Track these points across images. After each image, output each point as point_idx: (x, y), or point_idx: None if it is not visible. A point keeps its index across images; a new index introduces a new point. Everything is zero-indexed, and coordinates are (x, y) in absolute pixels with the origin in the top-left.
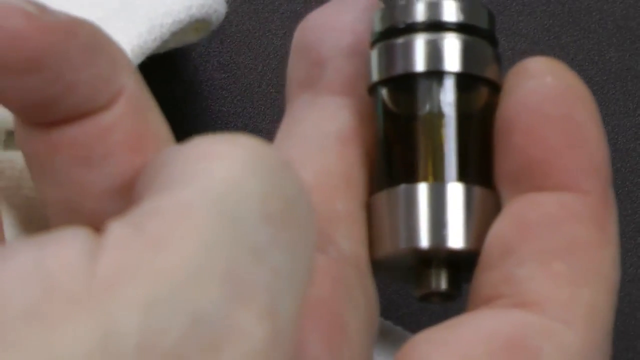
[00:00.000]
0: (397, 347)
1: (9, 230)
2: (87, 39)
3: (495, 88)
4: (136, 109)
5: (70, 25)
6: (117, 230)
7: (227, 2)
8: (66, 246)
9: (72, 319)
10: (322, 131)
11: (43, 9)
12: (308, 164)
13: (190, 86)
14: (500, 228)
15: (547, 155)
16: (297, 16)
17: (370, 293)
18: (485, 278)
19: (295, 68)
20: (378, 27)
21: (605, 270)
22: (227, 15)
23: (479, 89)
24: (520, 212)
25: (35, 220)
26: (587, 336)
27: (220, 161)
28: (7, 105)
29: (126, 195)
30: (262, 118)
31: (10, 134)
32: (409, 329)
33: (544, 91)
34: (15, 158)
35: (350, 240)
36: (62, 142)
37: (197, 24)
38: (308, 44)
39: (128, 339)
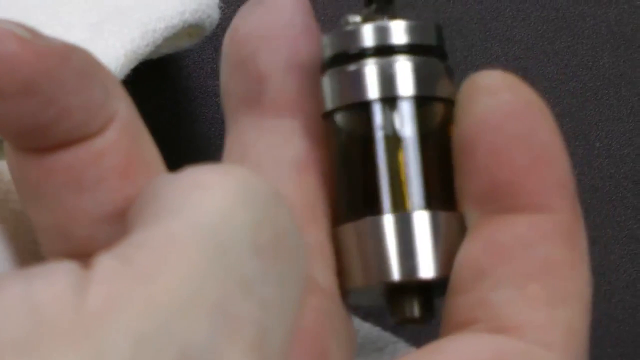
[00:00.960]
0: (384, 353)
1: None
2: (80, 64)
3: (450, 103)
4: (128, 135)
5: (63, 50)
6: (105, 263)
7: (220, 8)
8: (55, 279)
9: (61, 352)
10: (277, 159)
11: (36, 33)
12: None
13: (183, 92)
14: (471, 251)
15: (514, 176)
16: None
17: (348, 322)
18: (459, 302)
19: (231, 82)
20: (328, 52)
21: (580, 289)
22: (221, 22)
23: (435, 108)
24: (490, 234)
25: (22, 234)
26: (566, 357)
27: (211, 192)
28: (0, 131)
29: (117, 222)
30: None
31: None
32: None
33: (505, 109)
34: (2, 170)
35: (324, 272)
36: (55, 167)
37: (191, 29)
38: (243, 57)
39: None
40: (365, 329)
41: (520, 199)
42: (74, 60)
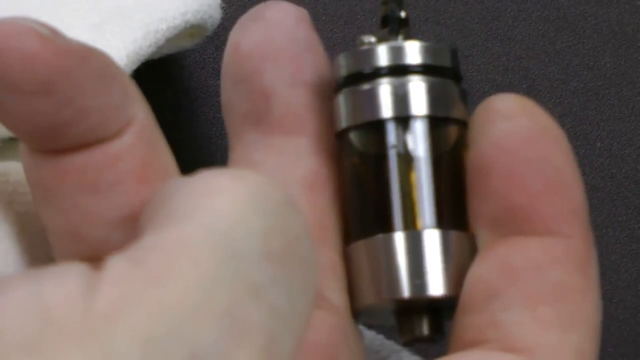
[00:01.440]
0: None
1: (2, 245)
2: (100, 66)
3: (463, 124)
4: (145, 140)
5: (83, 51)
6: (116, 265)
7: (222, 8)
8: (65, 280)
9: (69, 352)
10: (287, 179)
11: (56, 32)
12: None
13: (185, 92)
14: (483, 271)
15: (529, 200)
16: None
17: (360, 339)
18: (469, 321)
19: (234, 98)
20: (343, 72)
21: (590, 315)
22: (222, 22)
23: (448, 129)
24: (503, 256)
25: (27, 235)
26: None
27: (223, 196)
28: (17, 129)
29: (132, 225)
30: None
31: (5, 142)
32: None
33: (521, 134)
34: (8, 170)
35: (337, 292)
36: (71, 169)
37: (192, 29)
38: (247, 74)
39: None
40: (369, 337)
41: (533, 224)
42: (93, 62)
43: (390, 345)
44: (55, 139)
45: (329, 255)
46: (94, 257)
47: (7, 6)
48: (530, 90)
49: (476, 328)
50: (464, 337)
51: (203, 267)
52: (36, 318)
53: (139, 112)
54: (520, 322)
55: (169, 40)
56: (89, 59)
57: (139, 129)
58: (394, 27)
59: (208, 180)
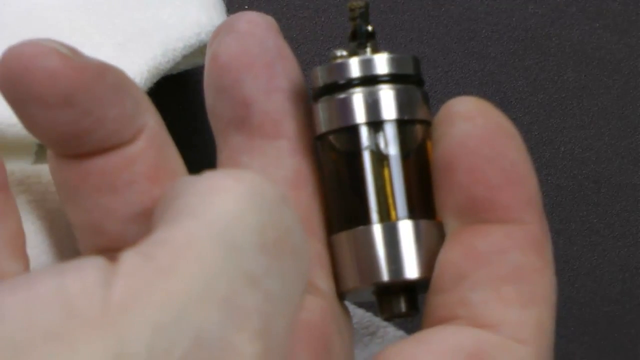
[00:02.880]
0: (376, 336)
1: (35, 237)
2: (115, 80)
3: (427, 124)
4: (156, 144)
5: (99, 67)
6: (130, 258)
7: None
8: (85, 274)
9: (88, 340)
10: (271, 178)
11: (76, 51)
12: None
13: (200, 104)
14: (452, 256)
15: (490, 192)
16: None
17: (348, 319)
18: (440, 301)
19: (217, 105)
20: (320, 82)
21: (547, 292)
22: None
23: (414, 129)
24: (469, 241)
25: (57, 229)
26: (537, 351)
27: (225, 195)
28: (43, 137)
29: (144, 221)
30: None
31: (41, 147)
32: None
33: (479, 133)
34: (41, 172)
35: (324, 279)
36: (91, 171)
37: (206, 48)
38: (227, 84)
39: (137, 358)
40: (358, 315)
41: (495, 213)
42: (108, 77)
43: (378, 321)
44: (77, 145)
45: (315, 246)
46: (113, 249)
47: (41, 28)
48: (502, 102)
49: (447, 306)
50: (436, 315)
51: (206, 260)
52: (60, 309)
53: (150, 120)
54: (486, 301)
55: (185, 57)
56: (104, 74)
57: (151, 135)
58: (361, 41)
59: (211, 180)
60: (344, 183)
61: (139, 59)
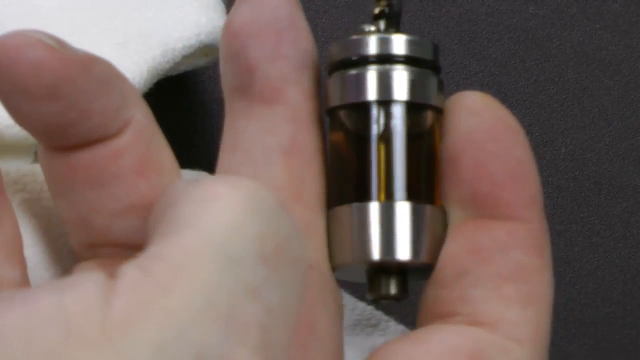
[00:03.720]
0: (377, 329)
1: (31, 236)
2: (101, 73)
3: (439, 111)
4: (143, 138)
5: (85, 59)
6: (128, 274)
7: None
8: (84, 291)
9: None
10: (265, 144)
11: (62, 43)
12: (258, 181)
13: (200, 105)
14: (453, 249)
15: (494, 189)
16: None
17: (336, 293)
18: (440, 295)
19: (226, 71)
20: (335, 57)
21: (546, 293)
22: None
23: (425, 114)
24: (472, 236)
25: (52, 228)
26: (534, 352)
27: (221, 205)
28: (29, 128)
29: (132, 215)
30: None
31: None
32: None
33: (485, 128)
34: (37, 171)
35: (312, 249)
36: (78, 165)
37: (206, 49)
38: (235, 50)
39: None
40: (360, 308)
41: (498, 209)
42: (95, 69)
43: (379, 314)
44: (63, 137)
45: (303, 214)
46: (102, 244)
47: (41, 28)
48: (503, 103)
49: (447, 302)
50: (435, 310)
51: (205, 275)
52: (59, 329)
53: (138, 113)
54: (486, 299)
55: (185, 58)
56: (91, 66)
57: (138, 128)
58: (388, 21)
59: (207, 188)
60: (348, 159)
61: (139, 58)
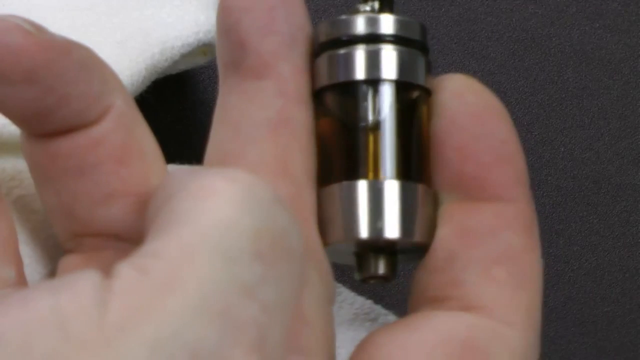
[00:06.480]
0: (377, 323)
1: (27, 235)
2: (80, 58)
3: (427, 91)
4: (123, 125)
5: (64, 44)
6: (125, 273)
7: None
8: (80, 292)
9: None
10: (253, 119)
11: (41, 28)
12: (245, 156)
13: (200, 104)
14: (444, 234)
15: (480, 170)
16: None
17: (324, 267)
18: (432, 280)
19: (220, 47)
20: (323, 37)
21: (536, 273)
22: None
23: (412, 93)
24: (461, 220)
25: (49, 224)
26: (526, 335)
27: (217, 199)
28: (8, 114)
29: (113, 203)
30: None
31: None
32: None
33: (469, 110)
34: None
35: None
36: (59, 153)
37: (205, 47)
38: (228, 25)
39: None
40: (360, 302)
41: (485, 191)
42: (73, 55)
43: (378, 308)
44: (43, 122)
45: (288, 189)
46: (84, 233)
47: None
48: (503, 102)
49: (437, 287)
50: (426, 294)
51: (201, 273)
52: (55, 331)
53: (118, 100)
54: (477, 282)
55: (184, 57)
56: (69, 51)
57: (118, 115)
58: (382, 1)
59: (203, 182)
60: (337, 137)
61: (137, 56)
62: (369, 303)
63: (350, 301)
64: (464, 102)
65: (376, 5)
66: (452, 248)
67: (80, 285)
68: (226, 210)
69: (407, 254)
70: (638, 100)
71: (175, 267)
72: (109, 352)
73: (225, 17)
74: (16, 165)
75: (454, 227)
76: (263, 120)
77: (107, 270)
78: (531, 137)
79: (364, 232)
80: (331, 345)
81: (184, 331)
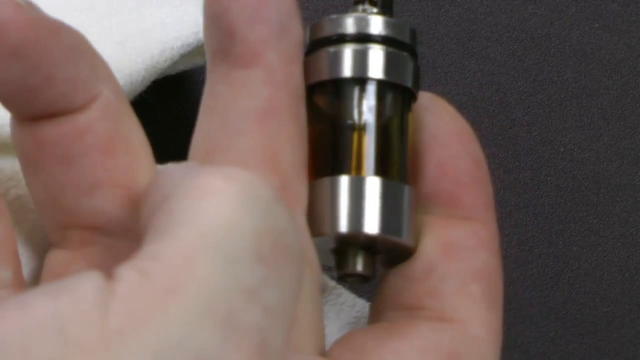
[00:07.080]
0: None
1: (25, 234)
2: (70, 41)
3: (412, 94)
4: (110, 115)
5: (53, 24)
6: (126, 277)
7: None
8: (80, 296)
9: None
10: (241, 108)
11: (32, 5)
12: (232, 146)
13: (198, 103)
14: (425, 243)
15: (456, 190)
16: None
17: (312, 259)
18: (407, 287)
19: (208, 35)
20: (313, 36)
21: (502, 295)
22: None
23: (398, 93)
24: (443, 232)
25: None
26: (495, 352)
27: (216, 200)
28: None
29: (99, 194)
30: None
31: None
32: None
33: (449, 128)
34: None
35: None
36: (45, 141)
37: (204, 48)
38: (217, 12)
39: None
40: (360, 305)
41: (462, 209)
42: (62, 36)
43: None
44: (28, 103)
45: (273, 179)
46: (70, 225)
47: None
48: (502, 102)
49: (413, 295)
50: (400, 300)
51: (202, 277)
52: (55, 337)
53: (106, 89)
54: (455, 295)
55: (183, 57)
56: (59, 32)
57: (105, 104)
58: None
59: (200, 181)
60: (323, 135)
61: (137, 56)
62: (369, 306)
63: (350, 304)
64: (445, 121)
65: (374, 7)
66: (432, 259)
67: (80, 289)
68: (225, 211)
69: (389, 256)
70: (638, 100)
71: (176, 270)
72: (110, 358)
73: (214, 4)
74: (14, 166)
75: (436, 238)
76: (251, 109)
77: (94, 268)
78: (531, 137)
79: (343, 226)
80: (321, 341)
81: (187, 338)
